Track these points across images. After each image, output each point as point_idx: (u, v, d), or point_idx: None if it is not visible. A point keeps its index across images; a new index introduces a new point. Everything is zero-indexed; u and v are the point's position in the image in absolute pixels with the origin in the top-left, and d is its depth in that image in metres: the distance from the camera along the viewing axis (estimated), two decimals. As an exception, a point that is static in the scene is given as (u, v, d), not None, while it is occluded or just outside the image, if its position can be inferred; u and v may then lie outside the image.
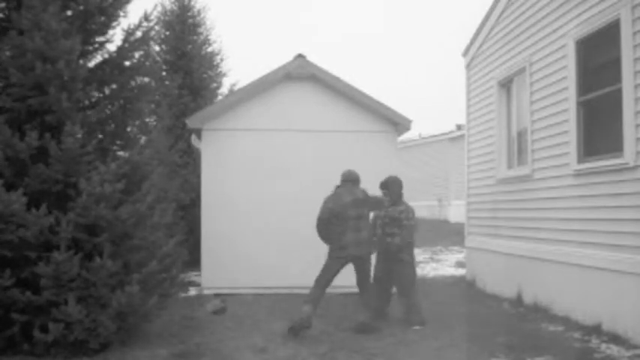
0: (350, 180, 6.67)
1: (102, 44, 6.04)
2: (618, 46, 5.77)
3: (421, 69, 72.41)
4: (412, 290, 6.65)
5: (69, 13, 5.74)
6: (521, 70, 7.95)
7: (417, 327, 6.39)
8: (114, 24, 6.01)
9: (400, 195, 6.77)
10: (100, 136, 5.97)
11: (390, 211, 6.66)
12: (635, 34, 5.55)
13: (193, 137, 9.72)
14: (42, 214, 4.97)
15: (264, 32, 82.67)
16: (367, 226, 6.52)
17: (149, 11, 6.02)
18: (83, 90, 5.55)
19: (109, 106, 6.02)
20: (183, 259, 6.41)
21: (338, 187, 6.71)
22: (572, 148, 6.57)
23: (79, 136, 5.33)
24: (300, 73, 8.84)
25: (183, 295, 8.10)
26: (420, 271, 11.10)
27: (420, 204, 22.00)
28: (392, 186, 6.74)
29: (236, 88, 12.28)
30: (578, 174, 6.49)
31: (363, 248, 6.41)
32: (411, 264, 6.70)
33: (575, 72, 6.57)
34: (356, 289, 6.72)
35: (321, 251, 8.74)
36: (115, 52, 5.98)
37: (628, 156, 5.62)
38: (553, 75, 7.05)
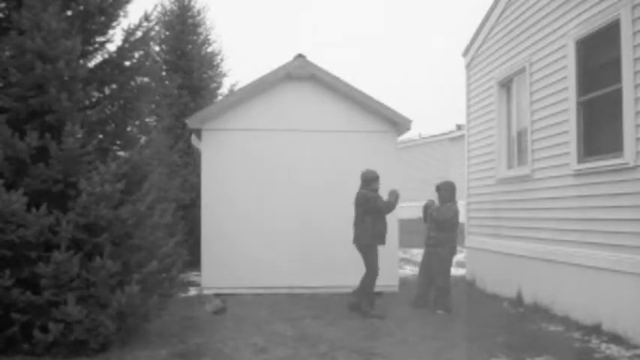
0: (362, 180, 7.49)
1: (102, 44, 6.04)
2: (618, 46, 5.78)
3: (421, 69, 72.43)
4: (443, 279, 7.36)
5: (69, 13, 5.74)
6: (521, 70, 7.95)
7: (440, 312, 7.16)
8: (114, 24, 6.01)
9: (446, 197, 7.55)
10: (100, 136, 5.97)
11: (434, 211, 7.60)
12: (635, 34, 5.55)
13: (193, 137, 9.73)
14: (42, 213, 4.98)
15: (264, 32, 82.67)
16: (365, 223, 7.22)
17: (149, 11, 6.03)
18: (83, 90, 5.56)
19: (109, 106, 6.02)
20: (183, 259, 6.42)
21: None
22: (572, 148, 6.57)
23: (79, 136, 5.33)
24: (300, 73, 8.84)
25: (183, 295, 8.11)
26: (420, 271, 11.10)
27: (420, 204, 21.99)
28: (441, 189, 7.66)
29: (236, 88, 12.28)
30: (578, 174, 6.49)
31: (358, 239, 7.29)
32: (445, 257, 7.40)
33: (575, 72, 6.58)
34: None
35: (320, 251, 8.78)
36: (115, 52, 5.98)
37: (628, 156, 5.62)
38: (553, 75, 7.05)
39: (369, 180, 7.41)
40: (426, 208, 7.85)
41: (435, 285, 7.40)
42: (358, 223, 7.31)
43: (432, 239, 7.48)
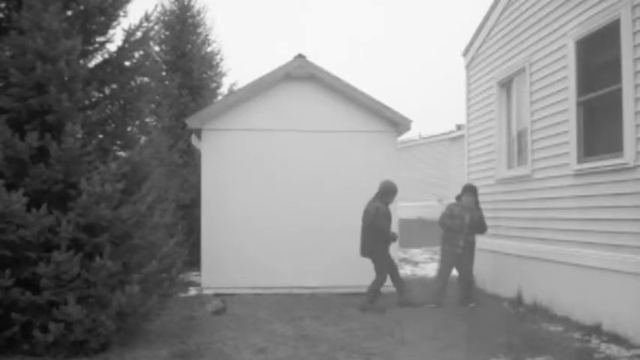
0: (379, 190, 7.68)
1: (102, 44, 6.04)
2: (618, 46, 5.77)
3: (421, 69, 72.40)
4: (466, 276, 7.74)
5: (69, 13, 5.74)
6: (521, 70, 7.95)
7: (472, 305, 7.54)
8: (114, 24, 6.01)
9: (467, 199, 7.77)
10: (100, 136, 5.97)
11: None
12: (635, 34, 5.55)
13: (193, 137, 9.73)
14: (42, 214, 4.97)
15: (264, 32, 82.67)
16: (367, 234, 7.51)
17: (149, 11, 6.03)
18: (83, 90, 5.55)
19: (109, 106, 6.02)
20: (183, 259, 6.41)
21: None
22: (572, 148, 6.57)
23: (80, 136, 5.33)
24: (300, 73, 8.84)
25: (183, 295, 8.11)
26: (421, 270, 11.13)
27: (420, 204, 21.99)
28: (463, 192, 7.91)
29: (236, 88, 12.29)
30: (578, 174, 6.49)
31: (363, 250, 7.60)
32: (467, 255, 7.71)
33: (575, 72, 6.58)
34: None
35: (320, 251, 8.77)
36: (115, 52, 5.98)
37: (628, 156, 5.62)
38: (553, 75, 7.05)
39: (388, 192, 7.62)
40: (455, 212, 7.77)
41: (466, 282, 7.70)
42: (369, 235, 7.51)
43: (467, 242, 7.66)
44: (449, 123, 37.12)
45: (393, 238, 7.59)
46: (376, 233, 7.47)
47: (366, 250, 7.57)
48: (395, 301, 7.69)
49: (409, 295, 7.68)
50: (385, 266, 7.59)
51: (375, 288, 7.51)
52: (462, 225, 7.62)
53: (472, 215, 7.67)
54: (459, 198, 7.87)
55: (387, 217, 7.55)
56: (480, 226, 7.76)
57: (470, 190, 7.81)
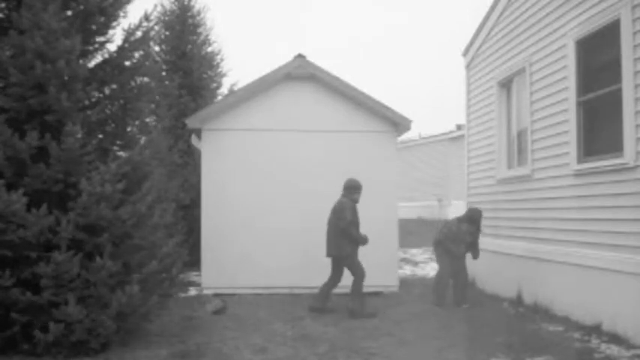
0: (344, 187, 7.49)
1: (102, 44, 6.04)
2: (618, 46, 5.78)
3: (421, 69, 72.41)
4: (461, 279, 7.72)
5: (69, 12, 5.74)
6: (521, 70, 7.95)
7: (465, 306, 7.55)
8: (114, 24, 6.01)
9: (467, 217, 7.80)
10: (100, 136, 5.97)
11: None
12: (635, 34, 5.55)
13: (193, 137, 9.73)
14: (42, 214, 4.98)
15: (264, 32, 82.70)
16: (333, 232, 7.24)
17: (149, 11, 6.03)
18: (83, 90, 5.55)
19: (109, 106, 6.02)
20: (183, 259, 6.42)
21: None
22: (572, 148, 6.58)
23: (80, 136, 5.33)
24: (300, 73, 8.84)
25: (183, 295, 8.12)
26: (421, 270, 11.12)
27: (420, 204, 22.00)
28: (467, 213, 7.94)
29: (236, 88, 12.27)
30: (578, 174, 6.49)
31: (339, 250, 7.21)
32: (461, 261, 7.74)
33: (575, 72, 6.58)
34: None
35: (320, 251, 8.76)
36: (115, 52, 5.98)
37: (628, 156, 5.62)
38: (553, 75, 7.05)
39: (352, 188, 7.35)
40: (460, 237, 7.76)
41: (460, 284, 7.69)
42: (336, 232, 7.17)
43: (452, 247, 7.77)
44: (449, 123, 37.17)
45: (364, 241, 7.20)
46: (341, 230, 7.11)
47: (332, 249, 7.22)
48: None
49: (361, 307, 7.13)
50: (358, 266, 7.19)
51: (358, 289, 7.16)
52: (459, 248, 7.65)
53: (471, 238, 7.68)
54: (461, 221, 7.76)
55: (353, 212, 7.22)
56: (473, 251, 7.77)
57: (471, 219, 7.71)
